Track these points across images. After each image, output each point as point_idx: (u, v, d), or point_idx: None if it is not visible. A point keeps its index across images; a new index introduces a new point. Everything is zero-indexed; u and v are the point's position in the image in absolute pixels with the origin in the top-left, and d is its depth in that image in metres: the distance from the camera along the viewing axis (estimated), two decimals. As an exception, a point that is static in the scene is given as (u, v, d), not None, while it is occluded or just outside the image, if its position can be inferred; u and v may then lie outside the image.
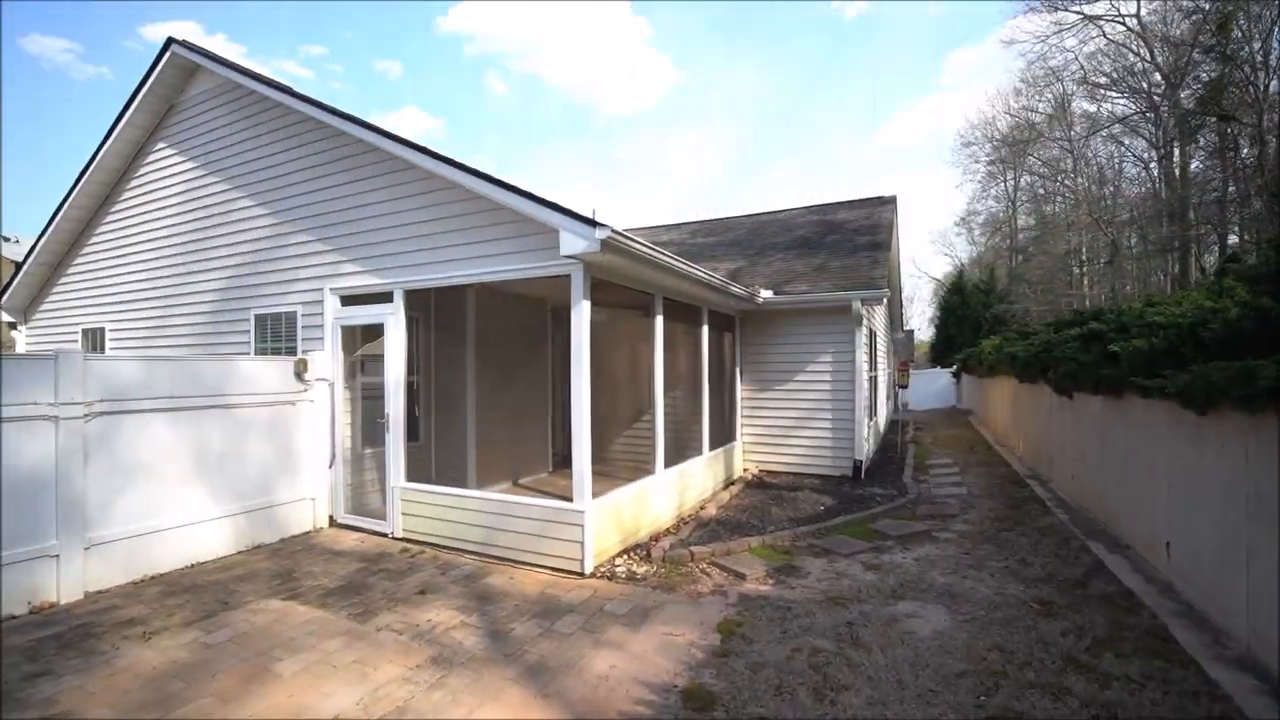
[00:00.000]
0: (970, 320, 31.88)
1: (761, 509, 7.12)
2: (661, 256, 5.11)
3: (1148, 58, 24.30)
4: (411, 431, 7.58)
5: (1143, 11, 23.63)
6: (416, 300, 7.44)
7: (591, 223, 4.47)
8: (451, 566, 5.29)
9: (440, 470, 7.77)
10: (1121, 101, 26.31)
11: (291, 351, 6.91)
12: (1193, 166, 24.66)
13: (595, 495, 5.31)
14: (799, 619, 4.09)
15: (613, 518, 5.48)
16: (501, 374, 8.02)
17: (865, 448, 8.88)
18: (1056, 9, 24.62)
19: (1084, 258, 30.80)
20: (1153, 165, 26.75)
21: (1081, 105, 28.58)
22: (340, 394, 6.59)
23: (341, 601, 4.50)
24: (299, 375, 6.31)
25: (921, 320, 43.91)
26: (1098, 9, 24.07)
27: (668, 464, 6.79)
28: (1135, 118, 25.91)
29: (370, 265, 6.28)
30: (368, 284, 6.31)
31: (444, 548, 5.73)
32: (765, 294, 8.74)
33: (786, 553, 5.58)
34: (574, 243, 4.58)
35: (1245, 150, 21.42)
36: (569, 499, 5.11)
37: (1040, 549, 5.28)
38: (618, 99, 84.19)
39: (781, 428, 9.17)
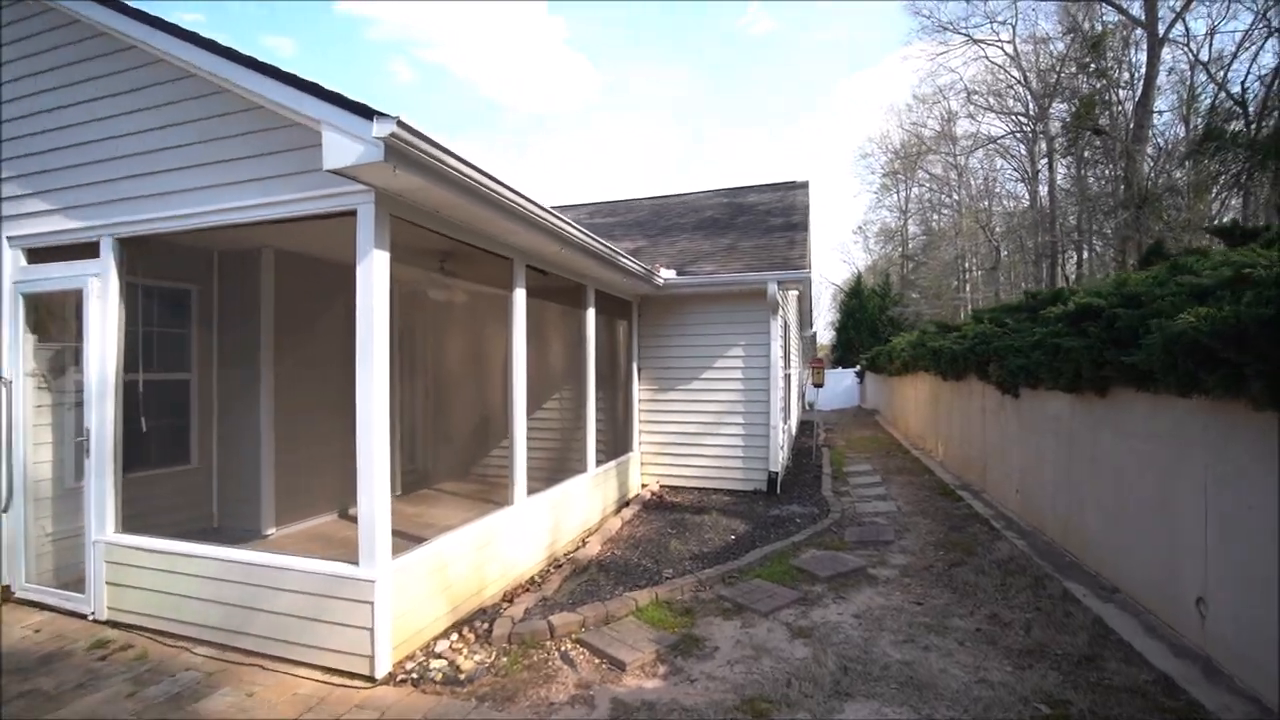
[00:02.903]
0: (868, 323, 32.82)
1: (658, 542, 5.58)
2: (495, 185, 3.40)
3: (1021, 80, 25.97)
4: (176, 453, 5.43)
5: (1018, 39, 25.25)
6: (182, 264, 5.31)
7: (365, 112, 2.69)
8: (162, 674, 3.30)
9: (225, 504, 5.62)
10: (997, 123, 28.10)
11: (-41, 335, 4.53)
12: (1060, 181, 26.50)
13: (406, 547, 3.54)
14: (702, 756, 2.54)
15: (435, 580, 3.70)
16: (322, 371, 5.96)
17: (780, 457, 7.63)
18: (944, 29, 25.74)
19: (966, 266, 32.65)
20: (1023, 183, 28.69)
21: (964, 125, 30.28)
22: (27, 399, 4.33)
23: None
24: (-61, 370, 4.01)
25: (820, 324, 45.05)
26: (980, 33, 25.44)
27: (536, 488, 5.10)
28: (1007, 138, 27.71)
29: (65, 201, 4.10)
30: (61, 229, 4.12)
31: (169, 636, 3.69)
32: (667, 274, 7.27)
33: (687, 612, 4.05)
34: (343, 148, 2.78)
35: (1112, 165, 22.95)
36: (359, 558, 3.27)
37: (1011, 596, 4.06)
38: (533, 97, 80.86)
39: (686, 435, 7.73)
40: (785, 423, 8.55)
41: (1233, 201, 19.42)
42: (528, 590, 4.49)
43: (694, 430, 7.68)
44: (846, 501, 7.20)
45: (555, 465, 6.58)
